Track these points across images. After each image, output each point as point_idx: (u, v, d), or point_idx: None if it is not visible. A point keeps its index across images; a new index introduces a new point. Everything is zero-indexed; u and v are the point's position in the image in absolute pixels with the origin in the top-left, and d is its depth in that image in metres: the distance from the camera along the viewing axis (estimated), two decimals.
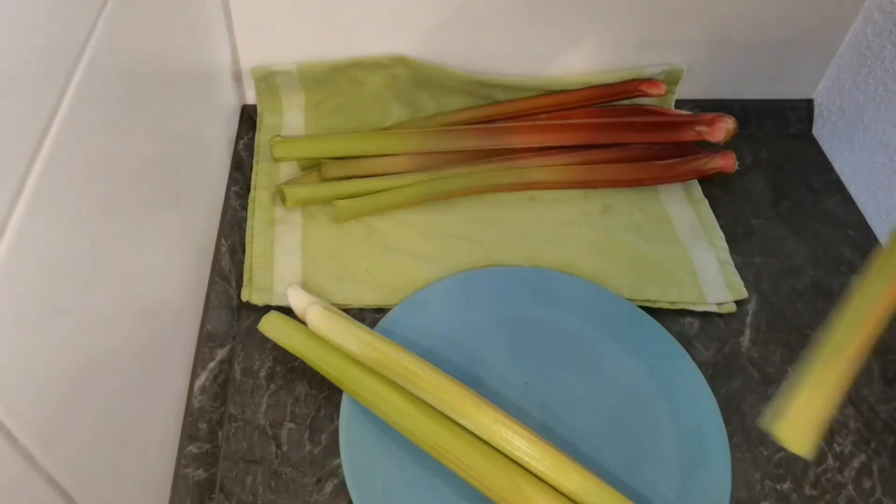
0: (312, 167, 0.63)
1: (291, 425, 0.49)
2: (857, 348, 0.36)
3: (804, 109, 0.72)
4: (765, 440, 0.50)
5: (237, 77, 0.67)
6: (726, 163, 0.64)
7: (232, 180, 0.62)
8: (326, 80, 0.66)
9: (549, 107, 0.67)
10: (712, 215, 0.63)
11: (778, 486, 0.48)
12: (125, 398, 0.38)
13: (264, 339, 0.50)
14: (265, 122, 0.67)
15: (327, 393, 0.50)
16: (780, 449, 0.49)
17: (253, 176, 0.63)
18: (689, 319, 0.56)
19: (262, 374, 0.51)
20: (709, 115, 0.64)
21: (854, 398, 0.52)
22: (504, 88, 0.67)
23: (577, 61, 0.67)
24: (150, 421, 0.42)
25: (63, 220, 0.30)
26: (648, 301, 0.56)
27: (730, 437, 0.48)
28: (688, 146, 0.66)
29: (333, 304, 0.52)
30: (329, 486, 0.46)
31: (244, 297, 0.55)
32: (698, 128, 0.64)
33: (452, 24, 0.64)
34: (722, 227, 0.62)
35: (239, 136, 0.67)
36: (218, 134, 0.61)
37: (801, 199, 0.66)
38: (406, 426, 0.45)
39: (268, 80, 0.65)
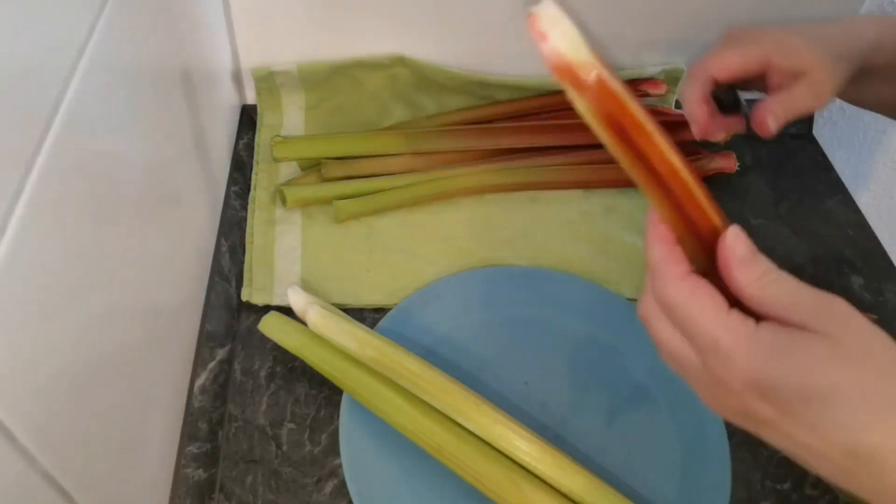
0: (312, 167, 0.63)
1: (291, 425, 0.49)
2: None
3: None
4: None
5: (237, 77, 0.67)
6: (726, 163, 0.64)
7: (232, 180, 0.62)
8: (326, 80, 0.66)
9: (549, 107, 0.67)
10: None
11: (778, 486, 0.48)
12: (125, 398, 0.38)
13: (264, 339, 0.50)
14: (265, 122, 0.66)
15: (327, 393, 0.50)
16: None
17: (253, 176, 0.63)
18: None
19: (262, 374, 0.51)
20: None
21: None
22: (504, 88, 0.67)
23: None
24: (150, 421, 0.42)
25: (63, 221, 0.30)
26: None
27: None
28: (688, 146, 0.66)
29: (333, 304, 0.52)
30: (329, 486, 0.46)
31: (244, 297, 0.55)
32: None
33: (452, 24, 0.64)
34: None
35: (239, 136, 0.67)
36: (218, 134, 0.61)
37: (801, 199, 0.66)
38: (406, 426, 0.45)
39: (268, 80, 0.65)
